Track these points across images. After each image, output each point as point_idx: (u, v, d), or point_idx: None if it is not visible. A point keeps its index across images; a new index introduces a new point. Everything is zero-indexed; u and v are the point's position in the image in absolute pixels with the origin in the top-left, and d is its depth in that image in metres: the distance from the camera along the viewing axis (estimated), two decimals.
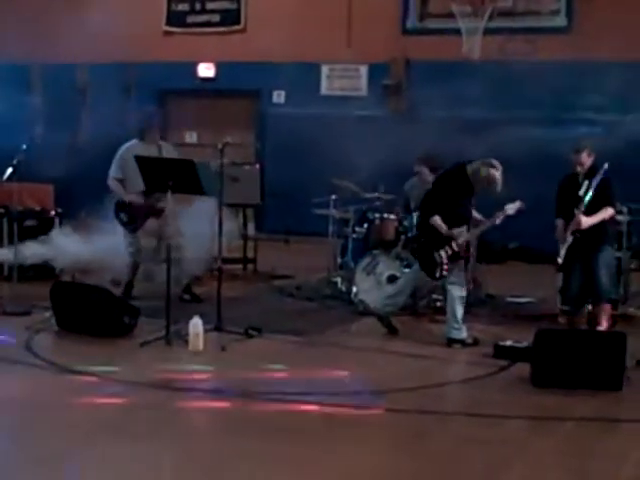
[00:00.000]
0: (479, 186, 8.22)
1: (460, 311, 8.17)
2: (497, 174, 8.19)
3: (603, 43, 12.43)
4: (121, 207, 9.36)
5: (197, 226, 9.06)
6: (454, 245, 8.12)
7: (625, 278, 9.32)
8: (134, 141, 9.50)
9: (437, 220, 8.17)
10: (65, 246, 9.62)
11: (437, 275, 8.23)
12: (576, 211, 7.98)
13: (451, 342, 8.12)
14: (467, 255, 8.34)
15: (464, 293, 8.25)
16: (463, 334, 8.17)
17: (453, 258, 8.16)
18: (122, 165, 9.33)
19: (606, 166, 7.92)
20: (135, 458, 5.32)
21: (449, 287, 8.24)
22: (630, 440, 5.90)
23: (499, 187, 8.18)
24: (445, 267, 8.13)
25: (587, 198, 7.94)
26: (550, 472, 5.31)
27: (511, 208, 8.34)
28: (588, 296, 8.21)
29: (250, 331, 8.18)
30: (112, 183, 9.40)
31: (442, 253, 8.15)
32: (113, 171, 9.40)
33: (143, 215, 9.25)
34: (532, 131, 12.52)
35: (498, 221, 8.34)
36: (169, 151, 9.49)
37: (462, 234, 8.20)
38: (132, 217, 9.32)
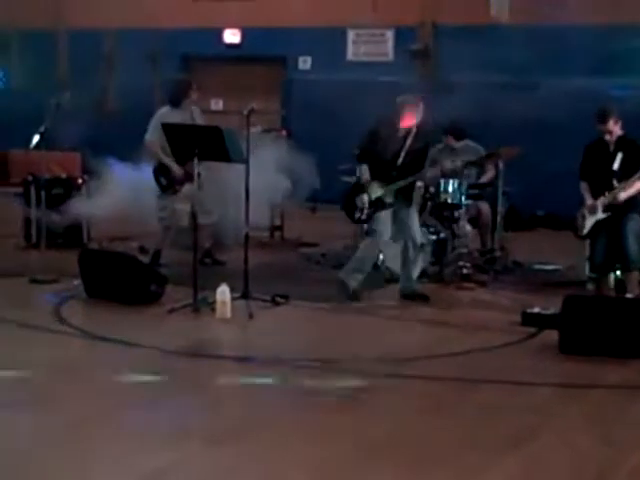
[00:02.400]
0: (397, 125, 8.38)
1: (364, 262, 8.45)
2: (400, 99, 8.45)
3: (635, 5, 12.26)
4: (161, 171, 9.32)
5: (227, 193, 9.06)
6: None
7: None
8: (167, 108, 9.50)
9: (362, 168, 8.48)
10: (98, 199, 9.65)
11: (355, 217, 8.49)
12: (612, 190, 7.90)
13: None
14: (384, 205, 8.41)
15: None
16: (352, 282, 8.38)
17: (374, 205, 8.33)
18: (158, 131, 9.27)
19: None
20: (162, 425, 5.36)
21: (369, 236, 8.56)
22: None
23: (411, 120, 8.33)
24: (365, 212, 8.35)
25: (636, 176, 7.86)
26: (576, 439, 5.29)
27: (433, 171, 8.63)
28: (616, 263, 8.17)
29: (277, 298, 8.20)
30: (152, 147, 9.32)
31: (364, 197, 8.37)
32: (152, 135, 9.32)
33: (182, 180, 9.25)
34: (562, 96, 12.38)
35: (429, 174, 8.57)
36: (199, 117, 9.50)
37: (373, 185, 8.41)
38: (171, 181, 9.30)
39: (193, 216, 8.12)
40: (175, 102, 9.50)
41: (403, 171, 8.41)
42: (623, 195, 7.93)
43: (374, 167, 8.48)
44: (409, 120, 8.38)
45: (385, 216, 8.46)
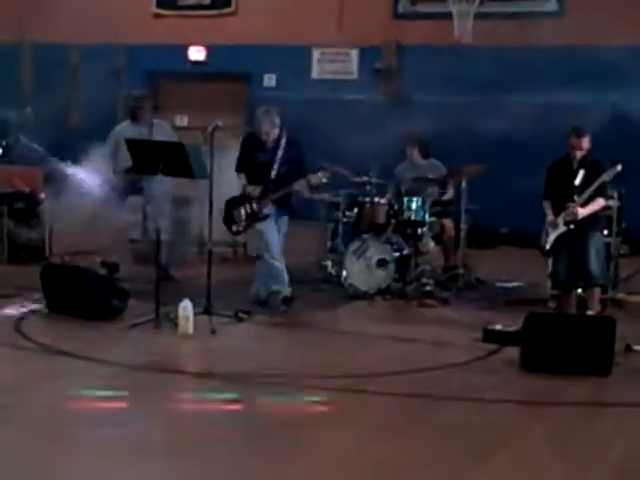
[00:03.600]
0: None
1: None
2: (258, 112, 8.50)
3: (594, 27, 12.40)
4: None
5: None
6: (253, 205, 8.39)
7: (615, 263, 9.34)
8: (126, 122, 9.56)
9: (241, 178, 8.57)
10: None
11: (233, 230, 8.57)
12: (572, 204, 7.99)
13: None
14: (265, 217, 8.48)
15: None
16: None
17: (250, 217, 8.45)
18: (111, 146, 9.45)
19: (619, 168, 7.92)
20: (123, 441, 5.32)
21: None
22: (618, 424, 5.91)
23: (263, 128, 8.43)
24: (242, 224, 8.45)
25: (586, 194, 7.95)
26: (536, 456, 5.31)
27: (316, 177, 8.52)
28: (578, 281, 8.24)
29: (240, 314, 8.18)
30: (99, 161, 9.38)
31: (241, 210, 8.48)
32: (103, 151, 9.41)
33: (124, 191, 9.27)
34: (525, 115, 12.50)
35: (297, 187, 8.51)
36: (162, 131, 9.48)
37: (255, 190, 8.50)
38: (115, 193, 9.34)
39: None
40: (133, 117, 9.54)
41: (279, 182, 8.52)
42: (582, 211, 8.01)
43: (250, 178, 8.59)
44: (268, 131, 8.45)
45: (270, 226, 8.53)
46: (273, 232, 8.61)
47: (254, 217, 8.53)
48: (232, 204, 8.65)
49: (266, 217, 8.53)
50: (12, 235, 9.82)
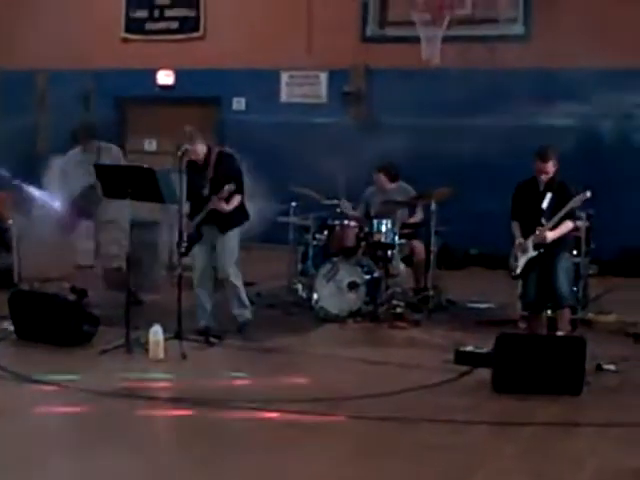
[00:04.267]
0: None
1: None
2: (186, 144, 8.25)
3: (561, 51, 12.53)
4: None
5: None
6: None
7: (584, 283, 9.39)
8: (76, 149, 9.53)
9: (186, 207, 8.36)
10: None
11: (180, 251, 8.23)
12: (540, 228, 8.01)
13: None
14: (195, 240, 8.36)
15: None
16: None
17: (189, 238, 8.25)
18: (62, 173, 9.43)
19: (588, 194, 7.93)
20: (94, 468, 5.27)
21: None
22: (589, 444, 5.94)
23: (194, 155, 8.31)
24: (183, 246, 8.17)
25: (555, 219, 7.97)
26: (511, 476, 5.33)
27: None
28: (547, 301, 8.27)
29: (211, 339, 8.15)
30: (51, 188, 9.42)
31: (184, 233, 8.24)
32: (47, 179, 9.41)
33: (74, 217, 9.24)
34: (493, 137, 12.59)
35: (212, 205, 8.28)
36: (110, 155, 9.40)
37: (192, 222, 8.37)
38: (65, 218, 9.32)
39: (127, 259, 8.10)
40: (78, 143, 9.53)
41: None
42: (550, 235, 8.04)
43: (190, 200, 8.44)
44: (193, 152, 8.35)
45: (200, 250, 8.45)
46: (201, 256, 8.48)
47: (189, 240, 8.32)
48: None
49: (194, 239, 8.34)
50: None
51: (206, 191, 8.32)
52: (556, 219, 7.99)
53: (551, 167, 8.15)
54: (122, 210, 8.88)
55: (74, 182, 9.25)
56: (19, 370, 7.17)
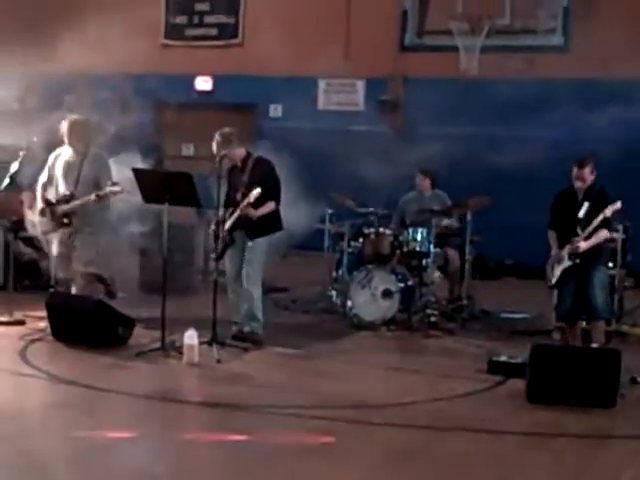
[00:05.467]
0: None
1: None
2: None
3: (600, 61, 12.48)
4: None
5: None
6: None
7: (619, 295, 9.34)
8: (68, 149, 9.02)
9: (221, 212, 8.30)
10: None
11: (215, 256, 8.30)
12: (576, 238, 7.98)
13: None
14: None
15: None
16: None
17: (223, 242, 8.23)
18: (50, 170, 9.00)
19: (619, 205, 7.89)
20: (129, 470, 5.32)
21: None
22: (623, 457, 5.90)
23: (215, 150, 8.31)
24: (218, 250, 8.21)
25: (593, 225, 7.93)
26: None
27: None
28: (582, 313, 8.23)
29: (246, 344, 8.19)
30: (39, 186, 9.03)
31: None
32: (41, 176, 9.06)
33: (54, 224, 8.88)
34: (527, 149, 12.54)
35: (239, 212, 8.22)
36: (96, 163, 8.84)
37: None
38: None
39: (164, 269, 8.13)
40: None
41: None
42: (584, 244, 7.98)
43: (226, 204, 8.42)
44: (227, 154, 8.33)
45: (230, 255, 8.41)
46: (231, 261, 8.47)
47: (223, 245, 8.32)
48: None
49: (227, 244, 8.31)
50: (19, 264, 9.82)
51: (239, 195, 8.29)
52: (590, 229, 7.96)
53: (588, 174, 8.11)
54: (100, 215, 8.78)
55: (56, 187, 8.86)
56: (54, 371, 7.24)
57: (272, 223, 8.45)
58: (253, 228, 8.32)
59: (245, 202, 8.13)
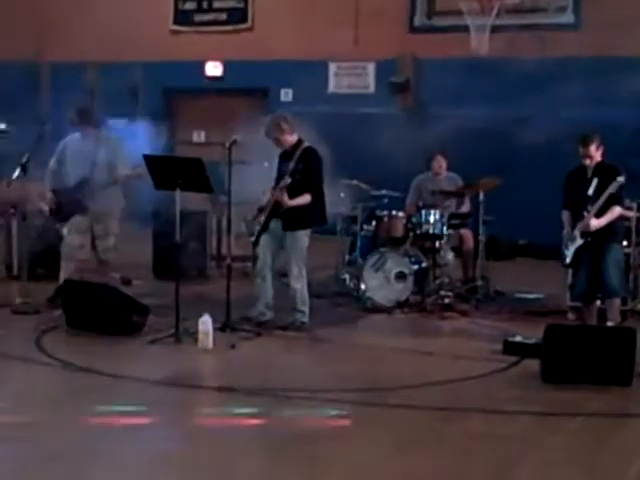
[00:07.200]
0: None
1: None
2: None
3: (610, 39, 12.40)
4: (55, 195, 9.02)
5: None
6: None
7: (635, 274, 9.29)
8: (76, 135, 9.07)
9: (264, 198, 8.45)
10: None
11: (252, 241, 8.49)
12: (585, 214, 7.96)
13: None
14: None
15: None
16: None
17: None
18: (59, 157, 9.04)
19: (621, 179, 7.85)
20: (145, 456, 5.34)
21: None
22: (639, 436, 5.89)
23: (267, 134, 8.36)
24: (254, 235, 8.40)
25: (599, 202, 7.89)
26: (561, 467, 5.30)
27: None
28: (597, 292, 8.21)
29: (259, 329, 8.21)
30: (47, 173, 9.08)
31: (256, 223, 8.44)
32: (50, 163, 9.09)
33: (68, 209, 8.93)
34: (539, 129, 12.48)
35: (273, 198, 8.23)
36: (109, 146, 8.89)
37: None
38: (58, 208, 8.99)
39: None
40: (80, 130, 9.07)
41: (288, 192, 8.19)
42: (595, 222, 7.95)
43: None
44: (276, 137, 8.33)
45: (264, 240, 8.42)
46: (264, 247, 8.46)
47: (260, 229, 8.38)
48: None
49: (263, 229, 8.34)
50: (31, 252, 9.84)
51: (283, 182, 8.19)
52: (597, 206, 7.92)
53: (594, 151, 8.08)
54: (116, 200, 8.88)
55: (71, 173, 8.89)
56: (70, 359, 7.26)
57: (311, 216, 8.34)
58: (288, 218, 8.26)
59: (277, 189, 8.13)
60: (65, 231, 9.03)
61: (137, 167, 8.47)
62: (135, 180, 8.77)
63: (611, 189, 7.85)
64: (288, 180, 8.07)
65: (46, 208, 9.10)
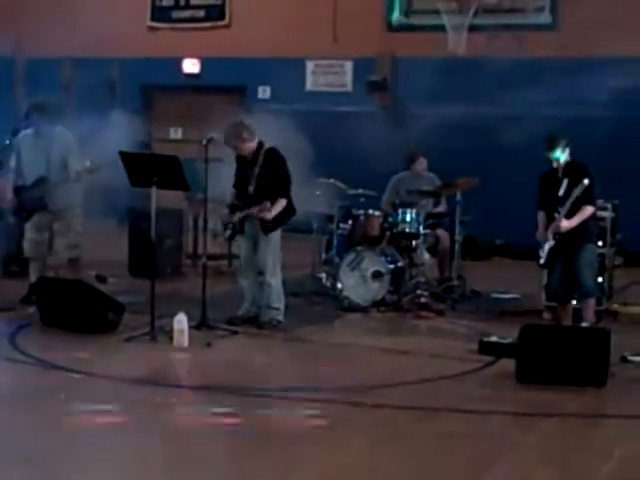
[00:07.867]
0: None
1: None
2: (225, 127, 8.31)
3: (587, 40, 12.45)
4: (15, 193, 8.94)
5: None
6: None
7: (609, 274, 9.34)
8: (30, 130, 8.95)
9: (231, 193, 8.50)
10: None
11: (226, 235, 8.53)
12: (556, 215, 7.99)
13: None
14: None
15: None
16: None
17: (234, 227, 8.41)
18: (16, 156, 8.90)
19: (586, 182, 7.86)
20: (121, 455, 5.31)
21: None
22: (613, 436, 5.92)
23: (229, 142, 8.26)
24: (227, 232, 8.44)
25: (567, 204, 7.91)
26: (534, 468, 5.31)
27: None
28: (572, 292, 8.24)
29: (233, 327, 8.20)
30: (9, 172, 8.98)
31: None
32: (11, 162, 8.95)
33: (29, 207, 8.85)
34: (516, 129, 12.51)
35: (253, 211, 8.22)
36: (61, 143, 8.79)
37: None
38: (20, 207, 8.93)
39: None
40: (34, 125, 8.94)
41: (256, 198, 8.22)
42: (565, 223, 7.98)
43: (236, 190, 8.46)
44: (236, 145, 8.28)
45: (241, 242, 8.50)
46: (242, 249, 8.52)
47: (232, 229, 8.42)
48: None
49: (235, 230, 8.37)
50: (5, 250, 9.78)
51: (251, 188, 8.24)
52: (566, 207, 7.94)
53: (559, 153, 8.10)
54: (75, 196, 8.82)
55: (27, 171, 8.80)
56: (44, 357, 7.22)
57: (285, 214, 8.37)
58: (268, 224, 8.26)
59: (262, 208, 8.09)
60: (26, 229, 8.97)
61: (92, 163, 8.40)
62: (88, 176, 8.66)
63: (577, 192, 7.87)
64: (269, 205, 8.08)
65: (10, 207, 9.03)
